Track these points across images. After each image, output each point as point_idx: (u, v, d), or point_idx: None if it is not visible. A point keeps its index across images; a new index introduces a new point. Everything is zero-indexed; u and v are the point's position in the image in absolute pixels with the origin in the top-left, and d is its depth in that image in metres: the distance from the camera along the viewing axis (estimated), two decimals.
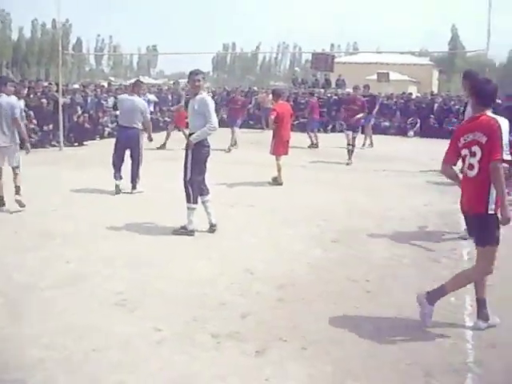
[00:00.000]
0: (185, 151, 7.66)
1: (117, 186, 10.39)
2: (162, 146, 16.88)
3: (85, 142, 18.20)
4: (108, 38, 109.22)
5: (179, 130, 17.17)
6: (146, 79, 57.96)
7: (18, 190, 8.93)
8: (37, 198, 9.67)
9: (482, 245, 4.86)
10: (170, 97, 24.41)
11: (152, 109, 18.47)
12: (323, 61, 31.38)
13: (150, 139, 11.00)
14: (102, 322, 4.86)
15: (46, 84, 21.75)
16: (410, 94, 30.53)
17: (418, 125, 24.41)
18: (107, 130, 19.87)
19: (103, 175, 10.72)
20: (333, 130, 24.77)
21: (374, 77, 32.68)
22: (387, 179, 12.88)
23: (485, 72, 14.28)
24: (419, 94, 30.83)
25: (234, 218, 8.70)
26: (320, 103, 25.89)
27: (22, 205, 8.84)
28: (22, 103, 16.73)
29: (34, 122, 17.43)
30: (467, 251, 7.18)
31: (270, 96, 17.68)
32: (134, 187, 10.45)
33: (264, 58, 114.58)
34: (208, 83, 67.70)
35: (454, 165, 5.07)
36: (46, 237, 7.43)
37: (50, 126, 17.65)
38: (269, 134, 12.30)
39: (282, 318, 5.06)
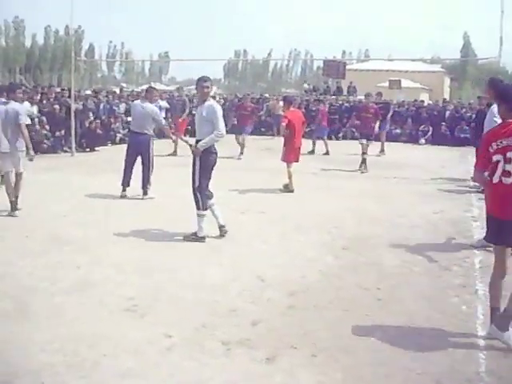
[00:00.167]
0: (192, 158, 7.66)
1: (122, 191, 10.56)
2: (173, 153, 16.94)
3: (96, 148, 18.28)
4: (120, 45, 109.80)
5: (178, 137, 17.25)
6: (157, 85, 58.22)
7: (13, 202, 9.02)
8: (48, 204, 9.73)
9: None
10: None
11: (164, 115, 18.51)
12: (335, 68, 31.42)
13: (173, 140, 11.27)
14: (112, 328, 4.86)
15: (58, 90, 21.90)
16: (422, 101, 30.46)
17: (430, 132, 24.34)
18: (119, 135, 19.96)
19: (114, 181, 10.75)
20: (344, 138, 24.72)
21: (386, 84, 32.67)
22: (398, 186, 12.83)
23: None
24: (431, 102, 30.76)
25: (245, 224, 8.70)
26: (332, 110, 25.95)
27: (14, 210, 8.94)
28: (35, 109, 16.94)
29: (47, 127, 17.55)
30: (479, 259, 7.15)
31: (281, 103, 17.65)
32: (145, 193, 10.49)
33: (275, 65, 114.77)
34: (219, 90, 68.01)
35: (486, 171, 5.01)
36: (56, 242, 7.46)
37: (62, 132, 17.75)
38: (280, 140, 12.30)
39: (292, 325, 5.04)
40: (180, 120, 17.31)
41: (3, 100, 9.14)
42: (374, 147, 18.14)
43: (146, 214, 9.24)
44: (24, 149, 9.09)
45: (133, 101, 15.14)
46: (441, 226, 8.99)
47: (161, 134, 18.29)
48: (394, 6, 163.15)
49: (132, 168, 10.67)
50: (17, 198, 9.07)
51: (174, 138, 12.27)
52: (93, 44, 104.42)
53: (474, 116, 18.96)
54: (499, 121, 5.11)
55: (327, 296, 5.79)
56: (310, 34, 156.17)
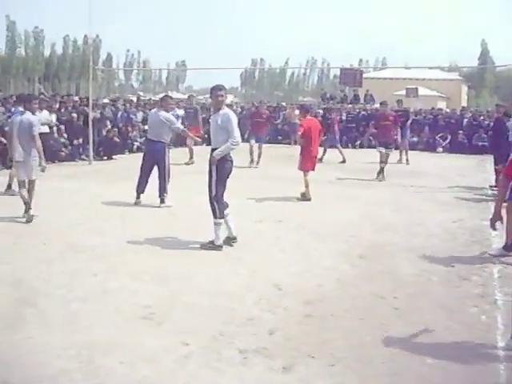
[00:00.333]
0: (208, 167, 7.66)
1: (136, 199, 10.68)
2: (190, 161, 17.02)
3: (114, 156, 18.38)
4: (137, 54, 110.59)
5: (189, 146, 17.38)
6: (174, 94, 58.52)
7: (26, 206, 9.18)
8: (65, 211, 9.80)
9: None
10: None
11: (181, 123, 18.58)
12: (351, 76, 31.39)
13: (196, 141, 11.55)
14: (128, 336, 4.86)
15: (76, 99, 22.07)
16: (441, 109, 30.34)
17: (448, 140, 24.20)
18: (136, 144, 20.06)
19: (131, 189, 10.78)
20: (361, 146, 24.65)
21: (403, 92, 32.52)
22: (415, 195, 12.76)
23: None
24: (448, 110, 30.62)
25: (262, 233, 8.69)
26: (349, 118, 25.94)
27: (29, 219, 9.05)
28: (53, 117, 17.10)
29: (65, 135, 17.69)
30: (497, 269, 7.09)
31: (297, 111, 17.58)
32: (162, 201, 10.51)
33: (292, 74, 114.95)
34: (236, 98, 68.16)
35: None
36: (74, 249, 7.49)
37: (80, 140, 17.89)
38: (297, 149, 12.28)
39: (309, 334, 5.01)
40: (199, 133, 17.26)
41: (20, 110, 9.37)
42: (396, 156, 18.14)
43: (162, 222, 9.25)
44: (37, 157, 9.26)
45: (150, 109, 15.26)
46: (459, 235, 8.92)
47: (178, 143, 18.46)
48: (412, 14, 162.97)
49: (148, 176, 10.73)
50: (30, 204, 9.20)
51: (196, 139, 12.57)
52: (110, 53, 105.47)
53: (491, 124, 18.82)
54: None
55: (344, 305, 5.75)
56: (326, 42, 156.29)
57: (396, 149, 17.17)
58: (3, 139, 13.56)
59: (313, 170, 11.79)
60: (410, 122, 20.05)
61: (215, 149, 7.57)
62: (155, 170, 10.64)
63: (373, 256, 7.58)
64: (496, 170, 13.69)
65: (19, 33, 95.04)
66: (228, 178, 7.74)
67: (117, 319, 5.24)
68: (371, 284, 6.43)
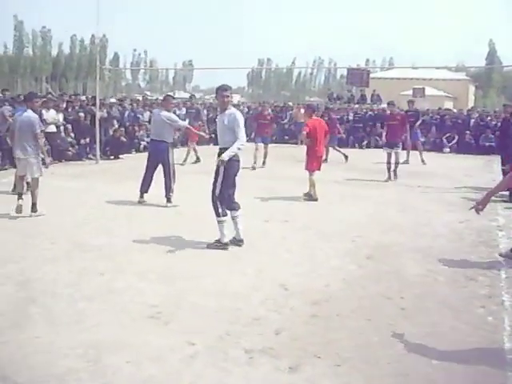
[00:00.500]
0: (216, 167, 7.66)
1: (140, 198, 10.77)
2: (196, 161, 17.05)
3: (121, 156, 18.43)
4: (144, 53, 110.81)
5: (190, 146, 17.41)
6: (181, 94, 58.64)
7: (33, 207, 9.36)
8: (73, 211, 9.83)
9: None
10: (205, 111, 24.62)
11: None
12: (358, 76, 31.38)
13: (205, 137, 11.86)
14: (135, 335, 4.87)
15: (83, 98, 22.13)
16: (449, 109, 30.23)
17: (455, 140, 24.13)
18: (143, 143, 20.09)
19: (138, 189, 10.80)
20: (368, 146, 24.63)
21: (410, 92, 32.50)
22: (422, 195, 12.74)
23: None
24: (455, 110, 30.55)
25: (268, 232, 8.69)
26: (356, 118, 25.91)
27: (36, 212, 9.33)
28: (60, 116, 17.15)
29: (72, 135, 17.75)
30: (505, 270, 7.06)
31: (302, 110, 17.51)
32: (168, 200, 10.54)
33: (299, 74, 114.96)
34: (243, 98, 68.16)
35: None
36: (81, 249, 7.51)
37: (87, 140, 17.95)
38: (303, 149, 12.26)
39: (315, 334, 5.01)
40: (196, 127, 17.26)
41: (23, 108, 9.53)
42: (414, 157, 18.12)
43: (168, 222, 9.27)
44: (39, 155, 9.44)
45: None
46: (465, 236, 8.89)
47: (185, 142, 18.41)
48: (419, 14, 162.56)
49: (152, 176, 10.78)
50: (34, 204, 9.35)
51: (205, 135, 12.76)
52: (117, 53, 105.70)
53: (499, 124, 18.75)
54: None
55: (350, 305, 5.75)
56: (333, 42, 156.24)
57: (403, 149, 17.07)
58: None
59: (319, 169, 11.78)
60: (419, 122, 19.99)
61: (223, 148, 7.57)
62: (160, 169, 10.66)
63: (379, 256, 7.57)
64: (503, 171, 13.63)
65: (27, 32, 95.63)
66: (235, 177, 7.75)
67: (123, 318, 5.25)
68: (378, 284, 6.42)
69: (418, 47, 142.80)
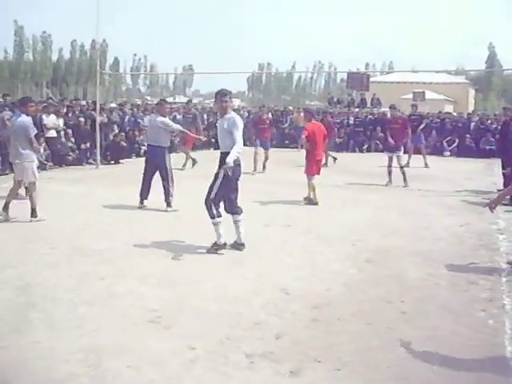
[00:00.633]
0: (217, 172, 7.62)
1: (140, 203, 10.78)
2: (193, 163, 17.04)
3: (121, 161, 18.45)
4: (144, 58, 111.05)
5: (183, 151, 17.44)
6: (181, 98, 58.62)
7: (32, 212, 9.35)
8: (73, 215, 9.83)
9: None
10: (205, 116, 24.73)
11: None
12: (358, 80, 31.42)
13: (202, 140, 12.23)
14: (135, 340, 4.87)
15: (84, 103, 22.15)
16: (449, 113, 30.26)
17: (456, 144, 24.14)
18: (143, 148, 20.01)
19: (138, 193, 10.81)
20: (368, 150, 24.64)
21: (410, 96, 32.53)
22: (422, 199, 12.73)
23: None
24: (455, 113, 30.58)
25: (269, 237, 8.69)
26: (356, 122, 25.94)
27: (36, 217, 9.32)
28: (61, 121, 17.18)
29: (72, 140, 17.76)
30: (506, 273, 7.05)
31: (302, 114, 17.49)
32: (168, 205, 10.55)
33: (299, 78, 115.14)
34: (243, 103, 68.16)
35: None
36: (81, 253, 7.51)
37: (88, 144, 17.96)
38: (303, 153, 12.25)
39: (316, 338, 5.01)
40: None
41: (18, 113, 9.61)
42: (417, 161, 18.11)
43: (169, 226, 9.27)
44: (34, 160, 9.49)
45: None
46: (466, 239, 8.88)
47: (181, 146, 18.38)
48: (418, 18, 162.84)
49: (150, 180, 10.80)
50: (34, 209, 9.34)
51: (202, 138, 12.81)
52: (118, 58, 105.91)
53: (499, 127, 18.76)
54: None
55: (351, 309, 5.74)
56: (333, 46, 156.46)
57: (404, 152, 17.06)
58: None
59: (318, 173, 11.80)
60: (422, 126, 19.99)
61: (224, 153, 7.57)
62: (158, 174, 10.69)
63: (380, 260, 7.57)
64: (504, 174, 13.64)
65: (27, 37, 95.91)
66: (237, 181, 7.75)
67: (124, 323, 5.25)
68: (378, 288, 6.42)
69: (416, 51, 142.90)
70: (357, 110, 28.96)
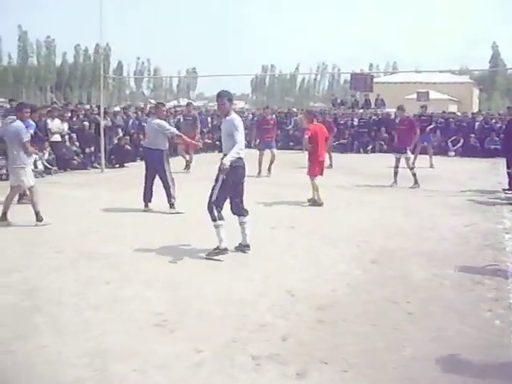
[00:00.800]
0: (217, 173, 7.57)
1: (145, 207, 10.82)
2: (189, 162, 17.07)
3: (126, 164, 18.46)
4: (147, 61, 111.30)
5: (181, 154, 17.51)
6: (185, 101, 58.67)
7: (37, 216, 9.37)
8: (78, 219, 9.85)
9: None
10: (209, 118, 24.75)
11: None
12: (362, 81, 31.40)
13: (200, 145, 12.74)
14: (141, 343, 4.87)
15: (88, 107, 22.19)
16: (453, 112, 30.21)
17: (460, 143, 24.09)
18: None
19: (142, 198, 10.82)
20: (373, 151, 24.60)
21: (414, 96, 32.50)
22: (427, 199, 12.70)
23: None
24: (459, 113, 30.55)
25: (275, 239, 8.69)
26: (360, 123, 25.91)
27: (41, 221, 9.34)
28: (65, 126, 17.23)
29: (77, 144, 17.80)
30: (511, 273, 7.03)
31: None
32: (171, 206, 10.59)
33: (303, 80, 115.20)
34: (247, 105, 68.20)
35: None
36: (86, 257, 7.52)
37: (92, 148, 18.00)
38: (307, 154, 12.24)
39: (322, 339, 5.00)
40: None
41: (13, 119, 9.71)
42: (423, 161, 18.08)
43: (174, 229, 9.27)
44: (28, 164, 9.56)
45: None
46: (471, 239, 8.86)
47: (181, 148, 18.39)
48: (422, 18, 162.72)
49: (152, 184, 10.84)
50: (38, 213, 9.35)
51: (198, 144, 12.86)
52: (121, 61, 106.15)
53: (504, 127, 18.71)
54: None
55: (356, 310, 5.74)
56: (337, 47, 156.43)
57: (412, 154, 17.00)
58: None
59: (321, 174, 11.80)
60: (431, 126, 19.98)
61: (226, 154, 7.57)
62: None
63: (385, 261, 7.56)
64: (509, 174, 13.61)
65: (31, 42, 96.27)
66: (241, 184, 7.72)
67: (130, 327, 5.25)
68: (383, 289, 6.41)
69: (417, 51, 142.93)
70: (361, 111, 28.92)
